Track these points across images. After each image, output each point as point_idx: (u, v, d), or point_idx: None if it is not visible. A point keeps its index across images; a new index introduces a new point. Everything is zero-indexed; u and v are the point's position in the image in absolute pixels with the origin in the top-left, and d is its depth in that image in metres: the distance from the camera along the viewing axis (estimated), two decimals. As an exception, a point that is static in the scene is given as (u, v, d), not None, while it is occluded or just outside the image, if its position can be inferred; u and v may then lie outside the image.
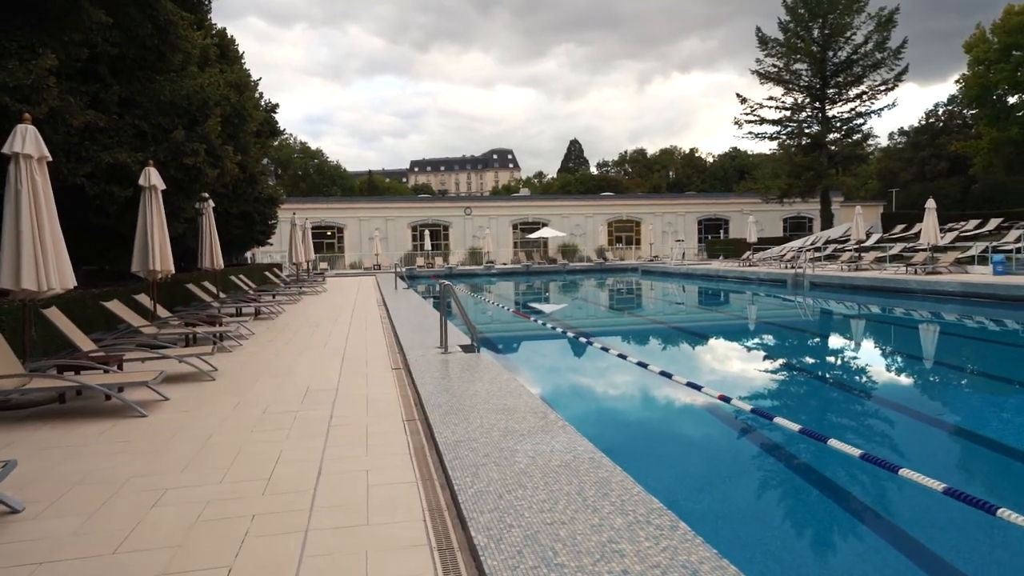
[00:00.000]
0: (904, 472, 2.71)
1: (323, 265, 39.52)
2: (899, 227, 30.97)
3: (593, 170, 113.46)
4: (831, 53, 35.01)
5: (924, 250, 23.20)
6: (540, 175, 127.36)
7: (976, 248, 22.42)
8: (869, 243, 28.55)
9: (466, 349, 8.13)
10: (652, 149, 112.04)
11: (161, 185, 9.07)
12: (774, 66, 36.26)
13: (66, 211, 10.32)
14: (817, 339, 13.59)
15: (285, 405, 5.73)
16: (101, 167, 9.67)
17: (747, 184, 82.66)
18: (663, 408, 7.80)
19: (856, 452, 3.02)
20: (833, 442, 3.27)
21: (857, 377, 9.83)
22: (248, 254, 38.29)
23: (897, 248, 25.88)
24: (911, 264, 21.76)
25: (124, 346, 7.12)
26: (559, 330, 12.01)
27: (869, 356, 11.61)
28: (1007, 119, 38.22)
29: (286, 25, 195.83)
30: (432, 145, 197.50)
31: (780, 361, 11.18)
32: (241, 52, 23.68)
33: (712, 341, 13.61)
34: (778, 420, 3.69)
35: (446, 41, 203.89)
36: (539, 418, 4.75)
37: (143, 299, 9.65)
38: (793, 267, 27.56)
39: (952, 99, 57.95)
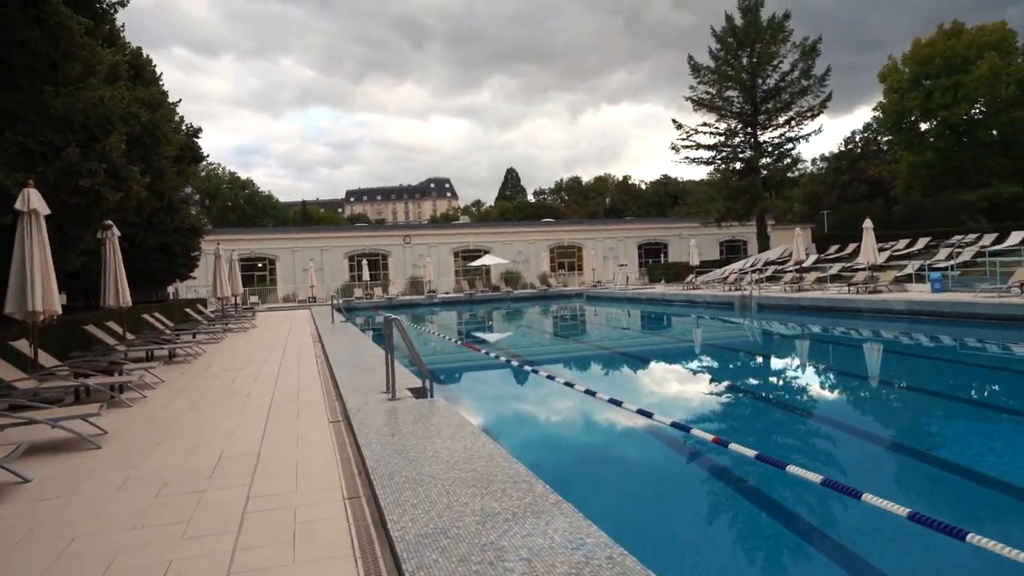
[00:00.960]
0: (867, 497, 2.71)
1: (253, 299, 37.20)
2: (833, 248, 31.82)
3: (531, 198, 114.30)
4: (760, 80, 36.12)
5: (863, 269, 23.65)
6: (478, 203, 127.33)
7: (911, 266, 23.01)
8: (807, 263, 29.06)
9: (417, 393, 7.01)
10: (587, 177, 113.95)
11: (44, 210, 7.60)
12: (707, 93, 37.11)
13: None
14: (783, 362, 13.13)
15: (188, 481, 4.46)
16: (-30, 190, 8.10)
17: (683, 209, 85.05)
18: (660, 460, 6.88)
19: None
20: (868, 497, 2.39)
21: (830, 401, 9.26)
22: (171, 289, 35.63)
23: (836, 268, 26.37)
24: (852, 284, 22.03)
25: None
26: (515, 363, 11.03)
27: (833, 379, 11.16)
28: (921, 144, 40.50)
29: (213, 55, 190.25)
30: (368, 175, 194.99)
31: (747, 390, 10.53)
32: (159, 73, 21.98)
33: (678, 369, 12.92)
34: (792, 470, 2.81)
35: (380, 73, 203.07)
36: (523, 491, 3.70)
37: (22, 346, 8.05)
38: (737, 289, 27.68)
39: (867, 127, 61.42)
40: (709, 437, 5.20)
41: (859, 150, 61.97)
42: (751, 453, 4.26)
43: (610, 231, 50.52)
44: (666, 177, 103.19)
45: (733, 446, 4.44)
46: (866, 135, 61.50)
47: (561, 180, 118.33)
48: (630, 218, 63.11)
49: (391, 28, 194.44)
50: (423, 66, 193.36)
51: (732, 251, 51.62)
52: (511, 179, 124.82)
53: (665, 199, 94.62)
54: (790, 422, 8.13)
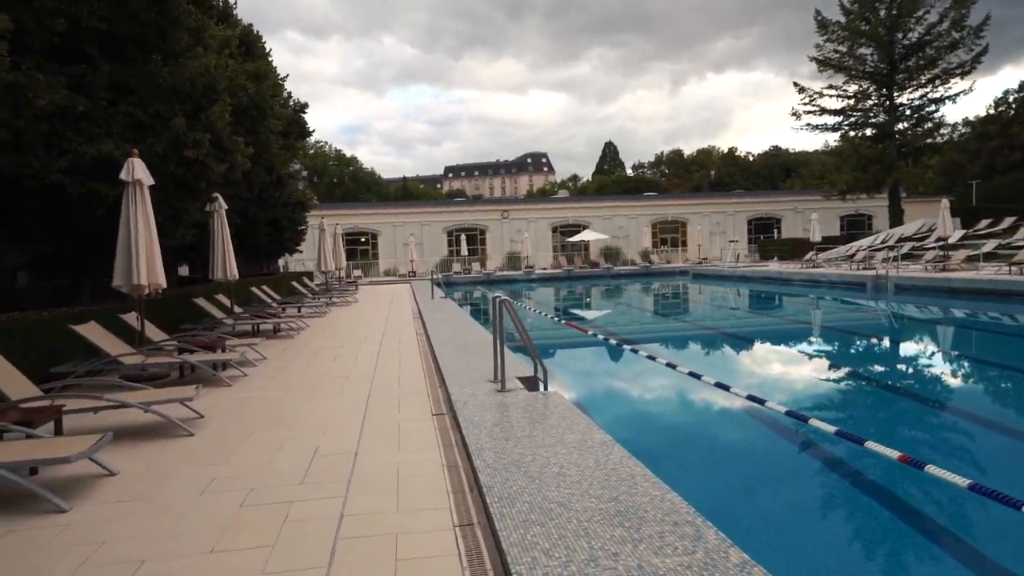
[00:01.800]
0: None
1: (357, 273, 38.16)
2: (984, 222, 27.92)
3: (629, 172, 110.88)
4: (900, 35, 32.04)
5: (1027, 247, 20.42)
6: (575, 178, 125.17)
7: (1092, 244, 19.53)
8: (952, 240, 25.64)
9: (528, 384, 6.19)
10: (688, 150, 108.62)
11: (148, 180, 7.39)
12: (836, 51, 33.44)
13: (44, 216, 8.80)
14: (932, 354, 11.22)
15: (277, 488, 3.86)
16: (84, 161, 8.06)
17: (798, 181, 79.21)
18: (822, 472, 5.71)
19: None
20: None
21: (993, 400, 7.55)
22: (280, 262, 37.20)
23: (990, 245, 23.01)
24: (1015, 263, 19.02)
25: (74, 391, 5.38)
26: (626, 347, 9.94)
27: (998, 376, 9.26)
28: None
29: (322, 37, 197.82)
30: (466, 152, 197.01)
31: (892, 385, 8.92)
32: (268, 49, 22.34)
33: (816, 361, 11.35)
34: None
35: (478, 48, 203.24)
36: (688, 539, 2.76)
37: (131, 318, 7.99)
38: (867, 268, 24.91)
39: (1023, 85, 53.77)
40: (882, 450, 3.99)
41: (1012, 112, 54.43)
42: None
43: (717, 205, 47.57)
44: (776, 148, 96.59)
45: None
46: (1021, 95, 53.85)
47: (661, 153, 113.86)
48: (739, 191, 59.18)
49: (490, 1, 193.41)
50: (521, 39, 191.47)
51: (855, 226, 47.19)
52: (609, 153, 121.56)
53: (776, 171, 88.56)
54: (945, 423, 6.63)
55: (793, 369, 10.42)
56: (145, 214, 7.35)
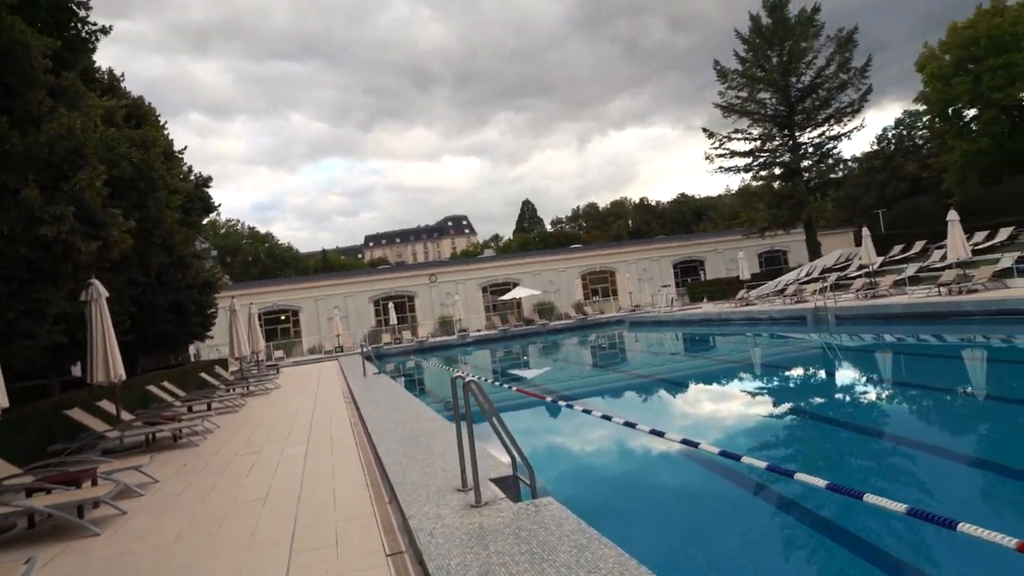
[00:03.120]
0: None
1: (278, 354, 35.35)
2: (896, 248, 29.08)
3: (548, 228, 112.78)
4: (794, 79, 33.98)
5: (947, 267, 21.02)
6: (496, 238, 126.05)
7: (1006, 260, 20.29)
8: (873, 267, 26.35)
9: (508, 488, 4.75)
10: (602, 203, 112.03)
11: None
12: (737, 97, 35.03)
13: None
14: (891, 384, 10.59)
15: None
16: None
17: (710, 223, 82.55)
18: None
19: None
20: None
21: (973, 429, 6.75)
22: (192, 351, 33.96)
23: (912, 269, 23.69)
24: (942, 284, 19.40)
25: None
26: (606, 416, 8.56)
27: (965, 401, 8.63)
28: (970, 132, 37.85)
29: (227, 118, 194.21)
30: (385, 220, 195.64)
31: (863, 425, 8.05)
32: (163, 122, 20.52)
33: (782, 406, 10.44)
34: None
35: (388, 120, 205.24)
36: None
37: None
38: (799, 300, 25.10)
39: (899, 122, 58.80)
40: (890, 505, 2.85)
41: (892, 147, 59.17)
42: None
43: (643, 251, 48.17)
44: (683, 195, 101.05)
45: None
46: (899, 131, 58.78)
47: (577, 207, 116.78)
48: (660, 237, 60.60)
49: (397, 75, 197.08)
50: (430, 109, 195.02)
51: (772, 262, 48.83)
52: (527, 211, 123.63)
53: (689, 216, 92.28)
54: (931, 463, 5.71)
55: (774, 417, 9.41)
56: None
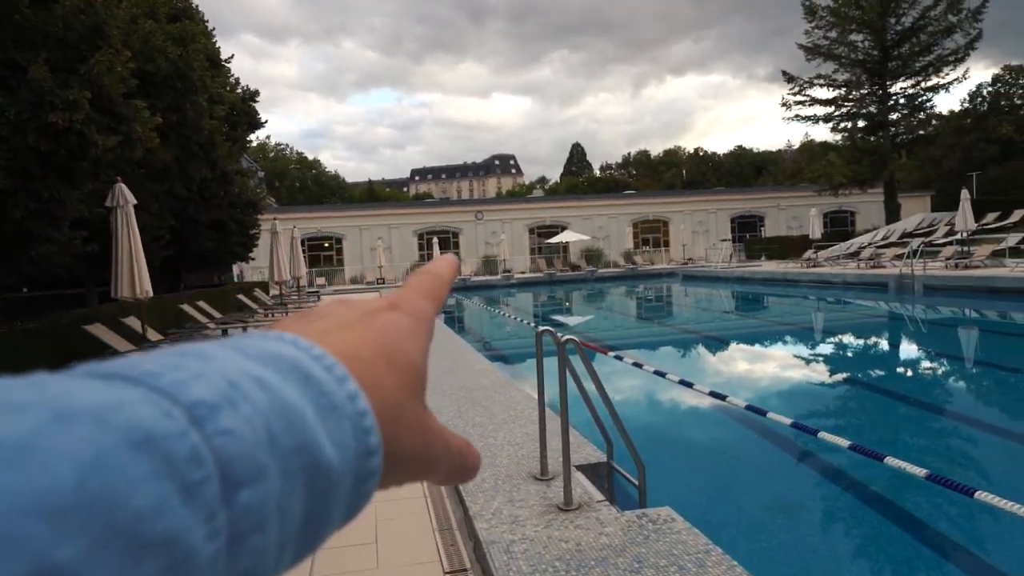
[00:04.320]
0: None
1: (320, 281, 35.01)
2: (991, 216, 26.37)
3: (597, 172, 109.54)
4: (893, 20, 30.46)
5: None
6: (543, 180, 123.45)
7: None
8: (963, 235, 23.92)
9: (595, 478, 3.59)
10: (654, 151, 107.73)
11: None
12: (825, 38, 31.76)
13: None
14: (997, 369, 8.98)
15: None
16: None
17: (770, 178, 78.35)
18: None
19: None
20: None
21: None
22: (235, 271, 33.83)
23: (1013, 239, 21.28)
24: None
25: None
26: (717, 395, 7.24)
27: None
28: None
29: (280, 41, 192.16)
30: (431, 155, 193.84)
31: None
32: (211, 28, 19.31)
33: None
34: None
35: (440, 52, 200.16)
36: None
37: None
38: (875, 266, 23.05)
39: (997, 79, 53.54)
40: None
41: (986, 107, 54.10)
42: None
43: (700, 203, 45.72)
44: (740, 148, 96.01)
45: None
46: (996, 88, 53.58)
47: (628, 154, 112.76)
48: (720, 188, 57.58)
49: (452, 5, 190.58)
50: (483, 43, 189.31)
51: (837, 223, 45.84)
52: (576, 154, 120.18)
53: (748, 169, 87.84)
54: None
55: (854, 394, 7.98)
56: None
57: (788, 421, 3.99)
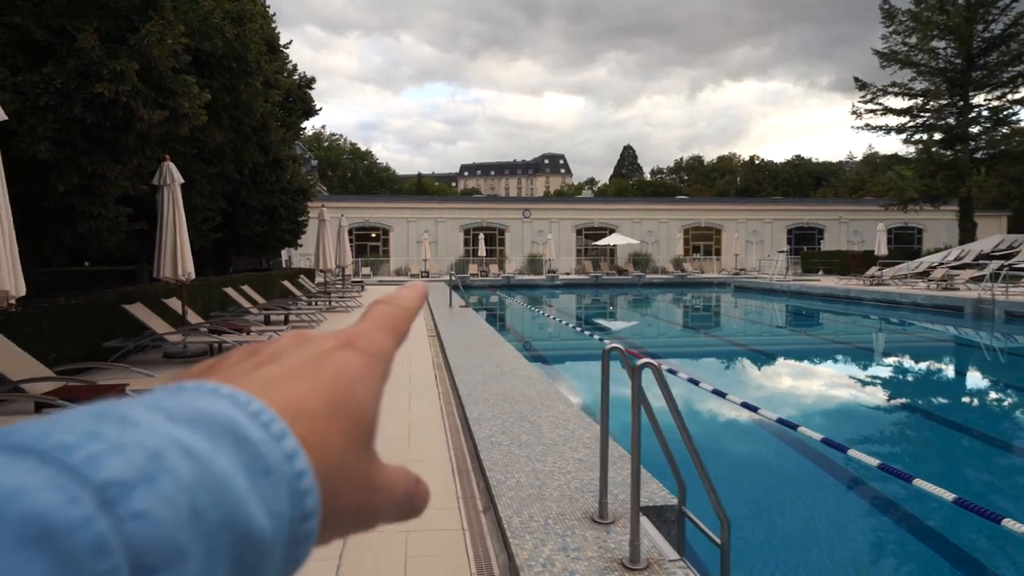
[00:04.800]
0: None
1: (365, 271, 35.15)
2: (1082, 240, 24.40)
3: (648, 176, 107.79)
4: (980, 27, 28.54)
5: None
6: (592, 181, 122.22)
7: None
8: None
9: (661, 524, 3.03)
10: (706, 157, 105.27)
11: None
12: (904, 44, 30.02)
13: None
14: None
15: None
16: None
17: (830, 190, 75.27)
18: None
19: None
20: None
21: None
22: (284, 256, 34.26)
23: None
24: None
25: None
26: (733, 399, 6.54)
27: None
28: None
29: (340, 33, 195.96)
30: (481, 152, 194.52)
31: None
32: (272, 12, 19.36)
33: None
34: None
35: (496, 48, 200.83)
36: None
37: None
38: (947, 287, 21.56)
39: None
40: None
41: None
42: None
43: (754, 211, 44.14)
44: (798, 158, 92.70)
45: None
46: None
47: (681, 159, 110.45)
48: (776, 198, 55.61)
49: (510, 3, 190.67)
50: (539, 41, 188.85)
51: (902, 240, 43.57)
52: (628, 156, 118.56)
53: (807, 179, 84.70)
54: None
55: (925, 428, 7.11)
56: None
57: (875, 463, 3.34)
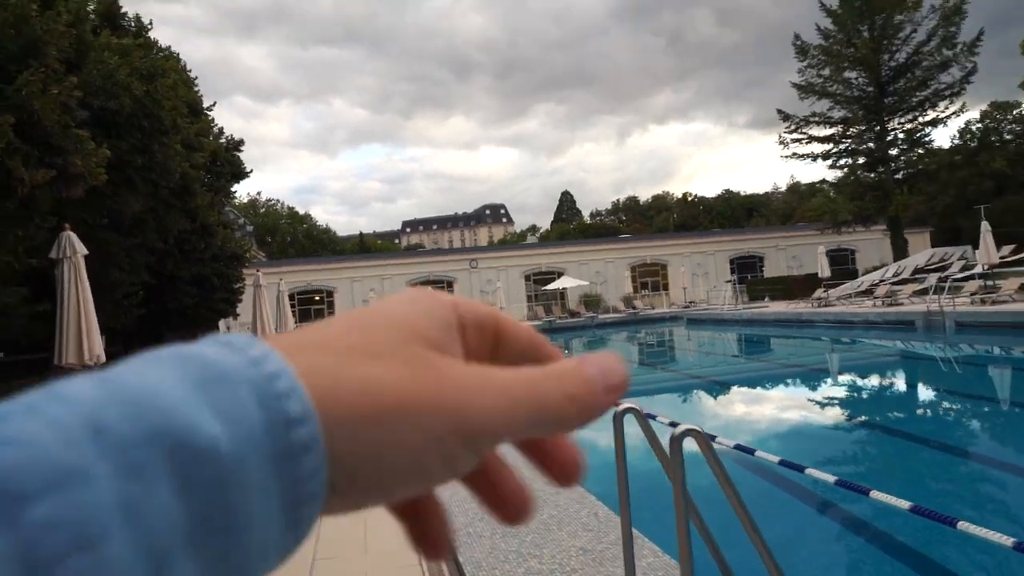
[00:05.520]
0: None
1: (310, 336, 33.52)
2: (1005, 249, 25.49)
3: (587, 219, 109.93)
4: (886, 56, 30.36)
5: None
6: (534, 228, 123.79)
7: None
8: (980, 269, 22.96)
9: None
10: (642, 197, 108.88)
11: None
12: (819, 76, 31.61)
13: None
14: None
15: None
16: None
17: (761, 220, 78.24)
18: None
19: None
20: None
21: None
22: (223, 328, 32.36)
23: (1038, 271, 20.29)
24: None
25: None
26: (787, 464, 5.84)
27: None
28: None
29: (271, 102, 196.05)
30: (421, 207, 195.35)
31: None
32: (195, 77, 18.53)
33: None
34: None
35: (428, 107, 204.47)
36: None
37: None
38: (892, 303, 21.96)
39: (985, 115, 54.01)
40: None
41: (975, 142, 54.38)
42: None
43: (697, 244, 45.00)
44: (727, 192, 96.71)
45: None
46: (985, 124, 53.98)
47: (617, 200, 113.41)
48: (716, 230, 57.10)
49: (438, 64, 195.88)
50: (470, 97, 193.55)
51: (838, 262, 45.02)
52: (566, 201, 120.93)
53: (739, 211, 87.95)
54: None
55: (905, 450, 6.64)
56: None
57: (832, 479, 2.71)
